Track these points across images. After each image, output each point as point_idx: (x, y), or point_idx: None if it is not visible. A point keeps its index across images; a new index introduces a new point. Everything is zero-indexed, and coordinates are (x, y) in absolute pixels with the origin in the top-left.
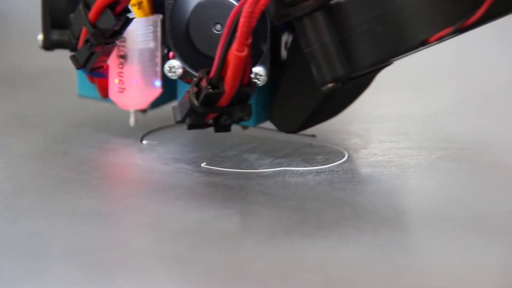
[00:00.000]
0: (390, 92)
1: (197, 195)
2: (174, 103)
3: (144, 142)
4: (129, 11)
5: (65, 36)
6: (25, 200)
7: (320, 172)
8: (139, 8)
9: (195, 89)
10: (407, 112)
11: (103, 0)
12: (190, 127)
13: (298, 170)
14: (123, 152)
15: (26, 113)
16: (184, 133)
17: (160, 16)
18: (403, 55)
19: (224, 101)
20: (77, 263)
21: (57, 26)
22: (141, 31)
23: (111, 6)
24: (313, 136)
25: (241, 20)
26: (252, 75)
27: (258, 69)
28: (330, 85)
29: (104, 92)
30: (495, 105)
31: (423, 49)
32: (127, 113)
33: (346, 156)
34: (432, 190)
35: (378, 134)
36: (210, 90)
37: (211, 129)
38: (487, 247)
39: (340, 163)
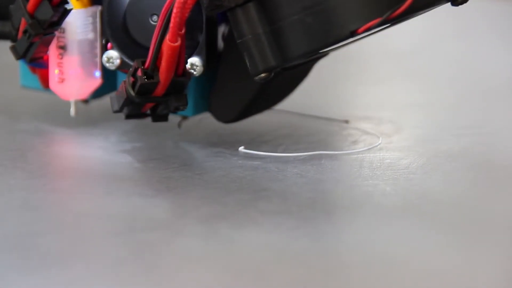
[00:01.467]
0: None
1: (236, 178)
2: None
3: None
4: (66, 2)
5: (7, 27)
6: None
7: (354, 155)
8: (78, 0)
9: (131, 79)
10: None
11: None
12: (128, 117)
13: (334, 154)
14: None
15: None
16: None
17: (99, 7)
18: (335, 46)
19: (159, 91)
20: (123, 242)
21: None
22: (80, 22)
23: None
24: (346, 121)
25: (174, 11)
26: (188, 66)
27: (194, 60)
28: (263, 75)
29: (45, 83)
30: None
31: (353, 40)
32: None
33: (380, 140)
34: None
35: (409, 120)
36: (146, 80)
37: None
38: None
39: (374, 147)
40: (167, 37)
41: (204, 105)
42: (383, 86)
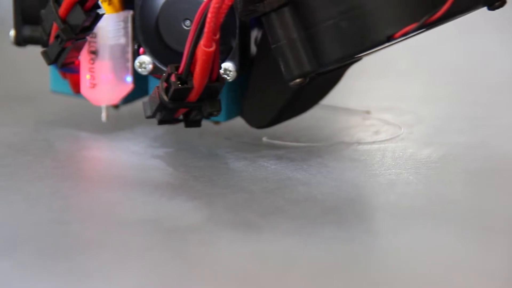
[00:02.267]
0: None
1: (261, 166)
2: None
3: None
4: (99, 7)
5: (36, 32)
6: None
7: (377, 145)
8: (109, 4)
9: (164, 84)
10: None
11: None
12: (160, 122)
13: (356, 143)
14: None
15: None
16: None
17: (131, 12)
18: (370, 51)
19: (193, 96)
20: (154, 228)
21: (28, 22)
22: (111, 27)
23: (81, 2)
24: (368, 112)
25: (209, 15)
26: (222, 71)
27: (228, 65)
28: (297, 80)
29: (76, 88)
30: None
31: (389, 45)
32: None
33: (402, 130)
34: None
35: (430, 111)
36: (179, 85)
37: None
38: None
39: (396, 137)
40: (202, 42)
41: (236, 110)
42: (403, 78)
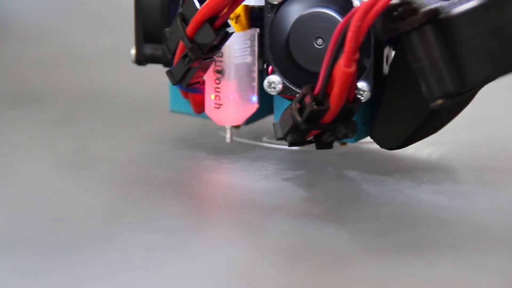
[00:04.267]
0: None
1: (261, 166)
2: (268, 119)
3: (265, 139)
4: (228, 25)
5: (158, 50)
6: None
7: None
8: (236, 22)
9: (298, 105)
10: None
11: (203, 14)
12: (291, 144)
13: (360, 143)
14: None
15: (93, 90)
16: None
17: (257, 30)
18: None
19: (328, 117)
20: (153, 228)
21: (150, 40)
22: (238, 45)
23: (211, 20)
24: None
25: (349, 34)
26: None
27: (361, 85)
28: (439, 101)
29: (198, 108)
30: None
31: None
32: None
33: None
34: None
35: None
36: (315, 106)
37: None
38: None
39: None
40: (341, 62)
41: (365, 130)
42: None
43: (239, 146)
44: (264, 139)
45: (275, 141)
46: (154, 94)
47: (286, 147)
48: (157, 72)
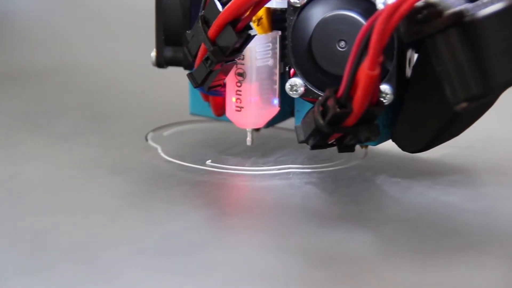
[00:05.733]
0: None
1: (202, 192)
2: (289, 121)
3: (208, 162)
4: (250, 28)
5: (179, 53)
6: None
7: (325, 170)
8: (258, 25)
9: (320, 108)
10: None
11: (225, 16)
12: (313, 147)
13: (303, 167)
14: (126, 149)
15: (30, 111)
16: (190, 132)
17: (279, 33)
18: None
19: (350, 121)
20: (83, 260)
21: (171, 43)
22: (260, 48)
23: (233, 23)
24: None
25: (374, 37)
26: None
27: (384, 87)
28: (463, 104)
29: (218, 111)
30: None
31: None
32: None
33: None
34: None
35: None
36: (338, 109)
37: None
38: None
39: (345, 161)
40: (365, 64)
41: (387, 134)
42: None
43: (177, 169)
44: (208, 162)
45: (217, 164)
46: (96, 115)
47: (229, 170)
48: (106, 93)
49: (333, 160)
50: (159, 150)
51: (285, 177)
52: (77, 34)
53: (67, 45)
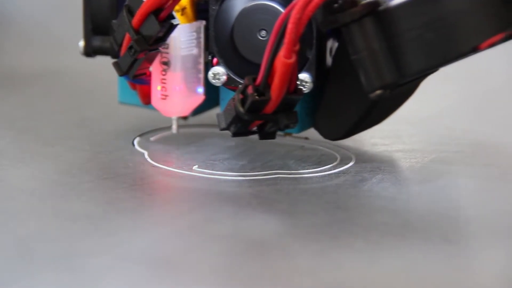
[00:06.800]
0: None
1: (188, 198)
2: (216, 110)
3: (195, 168)
4: (173, 17)
5: (106, 42)
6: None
7: (312, 175)
8: (182, 14)
9: (240, 96)
10: (399, 115)
11: (148, 6)
12: (235, 134)
13: (291, 173)
14: (113, 154)
15: (17, 115)
16: (177, 137)
17: (203, 23)
18: (453, 62)
19: (269, 108)
20: (66, 267)
21: (98, 32)
22: (184, 37)
23: (156, 12)
24: (306, 138)
25: (289, 26)
26: (298, 82)
27: (304, 76)
28: (378, 92)
29: (145, 99)
30: (488, 107)
31: (472, 55)
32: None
33: (339, 159)
34: (426, 192)
35: (370, 137)
36: (257, 97)
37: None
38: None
39: (333, 166)
40: (281, 53)
41: (309, 122)
42: None
43: (164, 175)
44: (195, 168)
45: (204, 170)
46: (83, 119)
47: (216, 176)
48: (93, 97)
49: (322, 165)
50: (146, 155)
51: (272, 183)
52: (66, 37)
53: (53, 49)
